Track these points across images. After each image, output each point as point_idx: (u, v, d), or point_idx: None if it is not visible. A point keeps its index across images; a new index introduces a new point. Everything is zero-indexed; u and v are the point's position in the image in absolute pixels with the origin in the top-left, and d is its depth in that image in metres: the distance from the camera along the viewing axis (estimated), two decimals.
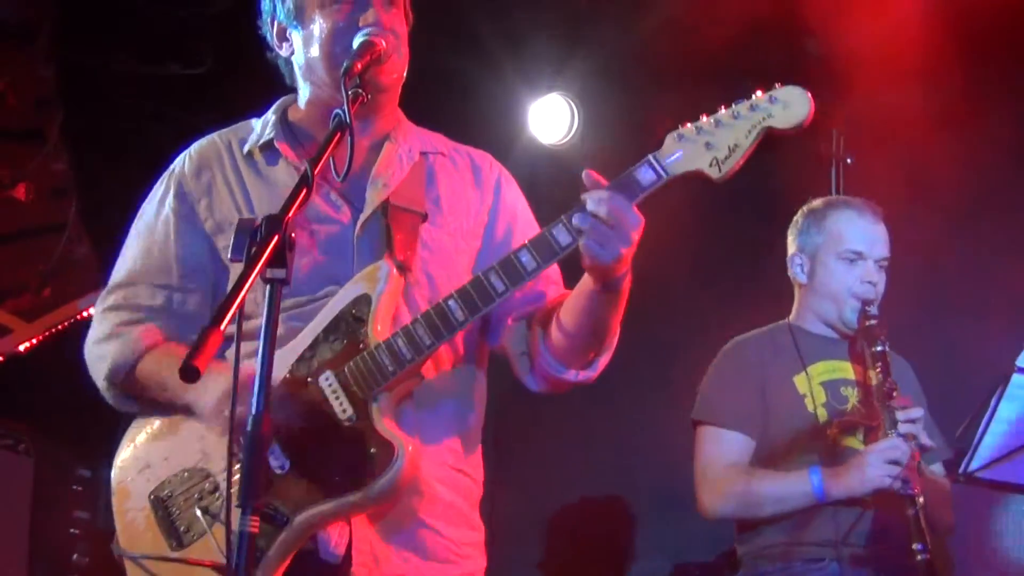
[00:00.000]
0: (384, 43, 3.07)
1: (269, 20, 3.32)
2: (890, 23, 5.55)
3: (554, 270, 3.23)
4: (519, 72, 6.64)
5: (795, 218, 4.65)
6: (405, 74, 3.24)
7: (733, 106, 2.89)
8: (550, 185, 6.22)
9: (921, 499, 4.04)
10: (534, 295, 3.22)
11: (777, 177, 5.22)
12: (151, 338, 3.18)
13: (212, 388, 2.99)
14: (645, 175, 2.89)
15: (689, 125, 2.91)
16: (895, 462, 4.04)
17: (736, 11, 5.73)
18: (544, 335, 3.14)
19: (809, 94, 2.86)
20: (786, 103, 2.86)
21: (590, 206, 2.84)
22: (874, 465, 4.06)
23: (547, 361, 3.14)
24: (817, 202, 4.63)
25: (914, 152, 5.64)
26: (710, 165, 2.87)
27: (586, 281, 2.99)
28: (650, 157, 2.91)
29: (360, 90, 2.94)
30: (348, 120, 2.82)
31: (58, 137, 5.76)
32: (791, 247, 4.62)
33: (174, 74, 6.25)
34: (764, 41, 5.78)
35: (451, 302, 2.98)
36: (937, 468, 4.47)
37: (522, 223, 3.35)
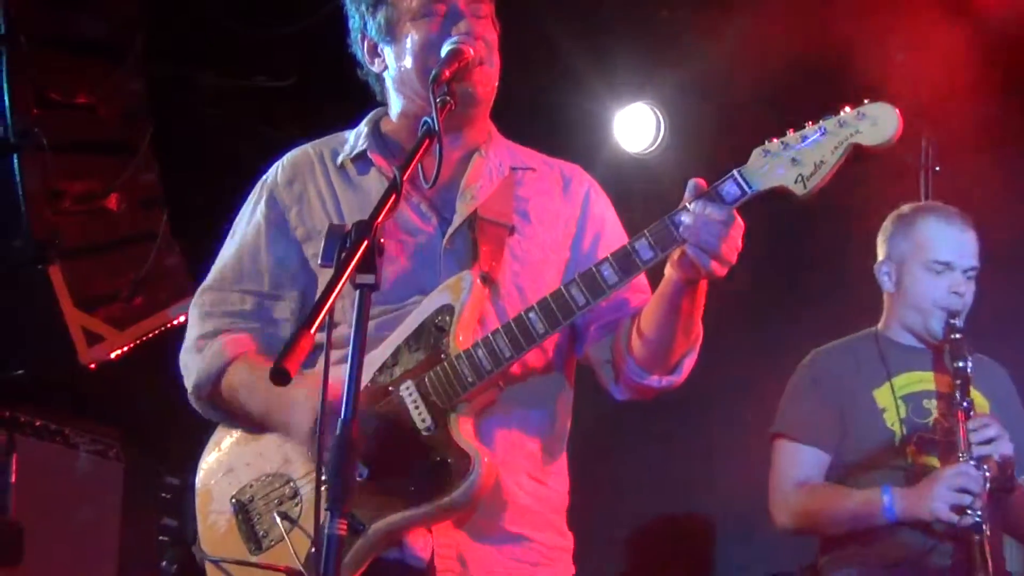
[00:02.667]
0: (472, 51, 3.07)
1: (359, 37, 3.32)
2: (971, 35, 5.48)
3: (640, 279, 3.20)
4: (605, 81, 6.64)
5: (884, 224, 4.57)
6: (496, 85, 3.24)
7: (821, 121, 2.85)
8: (636, 194, 6.23)
9: (987, 528, 3.96)
10: (619, 303, 3.19)
11: (865, 185, 5.15)
12: (236, 348, 3.21)
13: (298, 408, 3.01)
14: (730, 190, 2.86)
15: (775, 140, 2.87)
16: (964, 490, 3.97)
17: (822, 25, 5.69)
18: (628, 343, 3.13)
19: (898, 111, 2.81)
20: (874, 119, 2.81)
21: (692, 219, 2.82)
22: (940, 494, 3.99)
23: (631, 368, 3.11)
24: (906, 208, 4.55)
25: (1004, 159, 5.57)
26: (795, 181, 2.84)
27: (668, 282, 2.96)
28: (735, 172, 2.88)
29: (448, 97, 2.95)
30: (436, 127, 2.82)
31: (147, 149, 5.85)
32: (880, 253, 4.54)
33: (259, 87, 6.32)
34: (849, 53, 5.73)
35: (532, 314, 2.98)
36: None
37: (609, 235, 3.32)
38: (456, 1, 3.18)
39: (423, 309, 3.07)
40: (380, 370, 3.07)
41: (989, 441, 4.04)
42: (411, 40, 3.18)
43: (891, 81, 5.32)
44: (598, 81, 6.62)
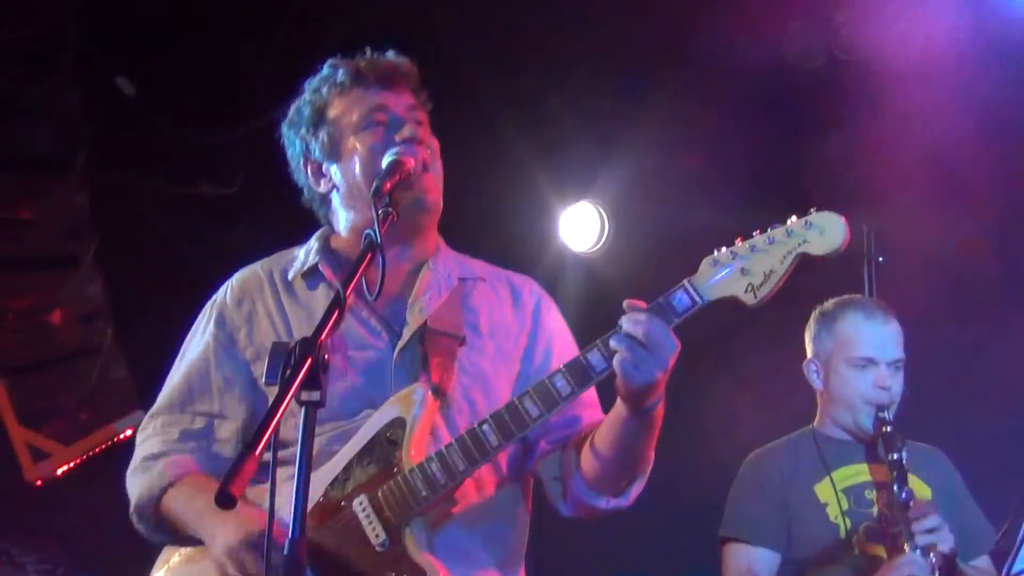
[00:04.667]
0: (414, 161, 3.09)
1: (302, 163, 3.34)
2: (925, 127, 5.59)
3: (590, 394, 3.21)
4: (550, 180, 6.69)
5: (809, 322, 4.55)
6: (442, 191, 3.26)
7: (768, 231, 2.88)
8: (579, 292, 6.25)
9: None
10: (569, 419, 3.20)
11: (809, 273, 5.18)
12: (177, 470, 3.16)
13: (231, 523, 2.95)
14: (680, 301, 2.88)
15: (724, 250, 2.90)
16: None
17: (767, 121, 5.80)
18: (577, 461, 3.12)
19: (844, 219, 2.85)
20: (822, 228, 2.84)
21: (627, 327, 2.83)
22: None
23: (580, 488, 3.11)
24: (828, 304, 4.53)
25: (947, 250, 5.65)
26: (745, 291, 2.86)
27: (619, 407, 2.97)
28: (685, 282, 2.90)
29: (390, 209, 2.94)
30: (378, 239, 2.82)
31: (91, 261, 5.81)
32: (807, 351, 4.55)
33: (205, 194, 6.32)
34: (794, 148, 5.84)
35: (485, 427, 2.96)
36: (982, 561, 4.36)
37: (561, 347, 3.32)
38: (396, 109, 3.22)
39: (374, 423, 3.05)
40: (332, 484, 3.03)
41: (932, 530, 4.04)
42: (357, 153, 3.20)
43: (837, 179, 5.43)
44: (543, 179, 6.67)
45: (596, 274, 6.62)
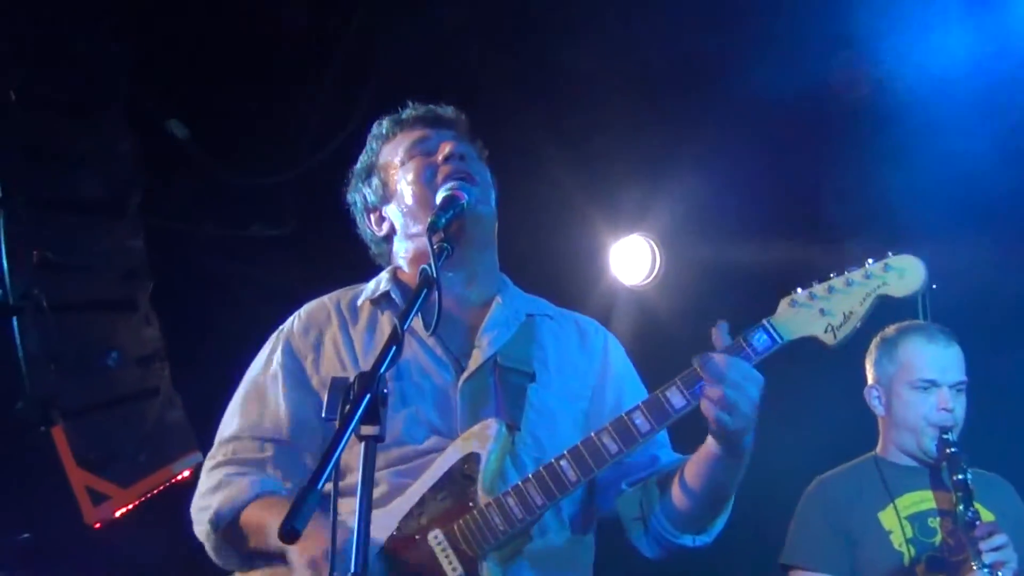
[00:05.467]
0: (466, 195, 3.13)
1: (363, 214, 3.45)
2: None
3: (663, 434, 3.24)
4: (601, 215, 6.69)
5: (870, 348, 4.57)
6: (495, 218, 3.32)
7: (846, 273, 2.94)
8: (631, 326, 6.24)
9: None
10: (648, 459, 3.23)
11: None
12: (260, 488, 3.19)
13: (310, 547, 2.95)
14: (760, 340, 2.92)
15: (801, 291, 2.95)
16: None
17: (810, 152, 5.80)
18: (661, 500, 3.14)
19: (923, 262, 2.89)
20: (901, 271, 2.90)
21: (713, 373, 2.84)
22: None
23: (663, 526, 3.13)
24: (890, 329, 4.55)
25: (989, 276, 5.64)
26: (825, 331, 2.91)
27: (710, 445, 2.98)
28: (765, 322, 2.94)
29: (445, 244, 2.99)
30: (435, 274, 2.85)
31: (148, 304, 5.86)
32: (868, 378, 4.56)
33: (257, 236, 6.37)
34: (837, 180, 5.84)
35: (563, 462, 2.98)
36: None
37: (632, 386, 3.36)
38: (434, 138, 3.33)
39: (448, 457, 3.07)
40: (406, 518, 3.05)
41: (999, 548, 4.00)
42: (405, 185, 3.29)
43: (880, 208, 5.42)
44: (595, 213, 6.68)
45: (647, 307, 6.62)
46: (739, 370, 2.85)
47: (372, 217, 3.43)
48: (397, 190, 3.32)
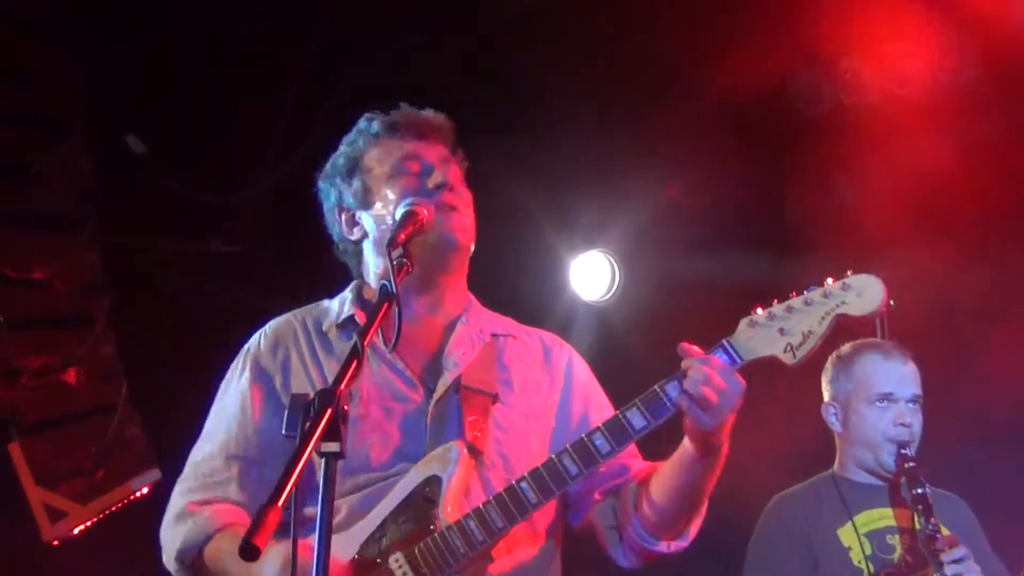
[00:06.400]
0: (426, 212, 3.12)
1: (336, 213, 3.39)
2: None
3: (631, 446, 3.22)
4: (560, 230, 6.72)
5: (826, 366, 4.59)
6: (473, 236, 3.31)
7: (805, 293, 2.95)
8: (591, 341, 6.25)
9: None
10: (619, 469, 3.23)
11: None
12: (223, 518, 3.16)
13: (267, 570, 2.94)
14: (720, 359, 2.93)
15: (760, 311, 2.97)
16: None
17: (772, 166, 5.84)
18: (635, 507, 3.15)
19: (881, 281, 2.91)
20: (859, 291, 2.92)
21: (696, 374, 2.86)
22: None
23: (638, 533, 3.14)
24: (845, 347, 4.57)
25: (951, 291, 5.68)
26: (784, 350, 2.93)
27: (686, 448, 3.00)
28: (724, 342, 2.96)
29: (404, 260, 2.98)
30: (394, 289, 2.84)
31: (105, 321, 5.83)
32: (825, 395, 4.57)
33: (216, 252, 6.34)
34: (799, 193, 5.88)
35: (524, 484, 2.99)
36: None
37: (597, 402, 3.36)
38: (428, 158, 3.28)
39: (409, 480, 3.06)
40: (367, 542, 3.03)
41: (959, 560, 4.03)
42: (389, 199, 3.24)
43: (840, 223, 5.45)
44: (554, 229, 6.69)
45: (607, 323, 6.64)
46: (724, 371, 2.88)
47: (344, 217, 3.38)
48: (378, 203, 3.28)
